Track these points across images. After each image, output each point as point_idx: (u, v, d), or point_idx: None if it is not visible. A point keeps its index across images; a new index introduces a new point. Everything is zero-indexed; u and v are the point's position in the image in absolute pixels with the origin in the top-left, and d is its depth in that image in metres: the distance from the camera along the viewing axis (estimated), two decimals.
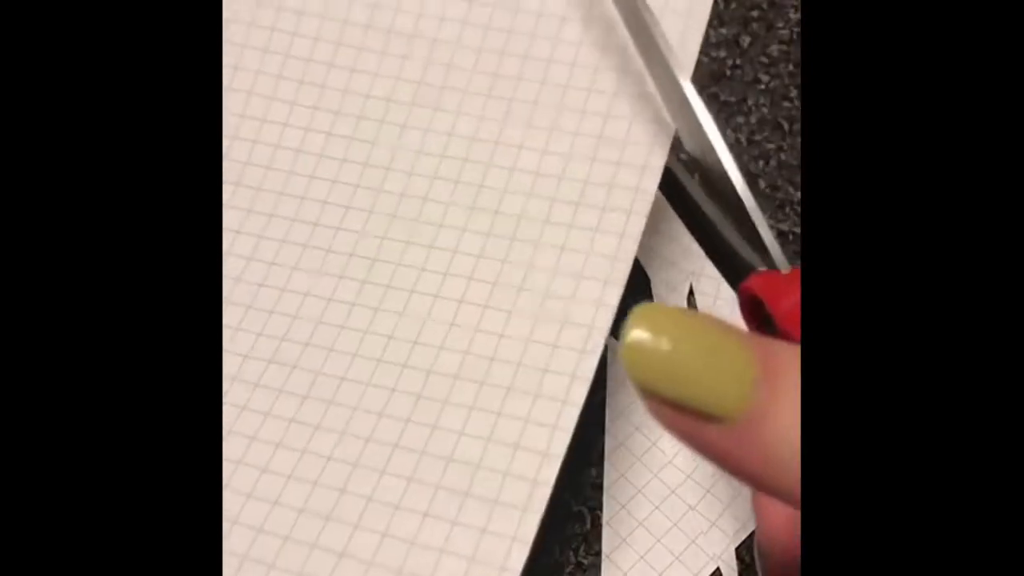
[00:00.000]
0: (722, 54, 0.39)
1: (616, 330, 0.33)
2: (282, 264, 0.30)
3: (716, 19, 0.40)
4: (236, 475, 0.26)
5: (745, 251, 0.28)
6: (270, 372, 0.28)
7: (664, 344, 0.18)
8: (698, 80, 0.38)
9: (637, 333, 0.18)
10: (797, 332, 0.24)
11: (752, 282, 0.26)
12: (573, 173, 0.30)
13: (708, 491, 0.30)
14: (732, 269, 0.28)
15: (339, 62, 0.32)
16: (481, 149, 0.30)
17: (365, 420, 0.27)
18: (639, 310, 0.18)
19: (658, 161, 0.29)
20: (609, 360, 0.33)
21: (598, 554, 0.30)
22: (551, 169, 0.30)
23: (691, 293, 0.34)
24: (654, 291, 0.34)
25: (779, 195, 0.36)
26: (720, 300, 0.34)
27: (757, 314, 0.26)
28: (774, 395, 0.17)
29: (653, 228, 0.35)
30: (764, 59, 0.39)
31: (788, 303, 0.24)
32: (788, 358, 0.18)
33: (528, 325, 0.28)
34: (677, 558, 0.29)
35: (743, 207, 0.28)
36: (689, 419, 0.18)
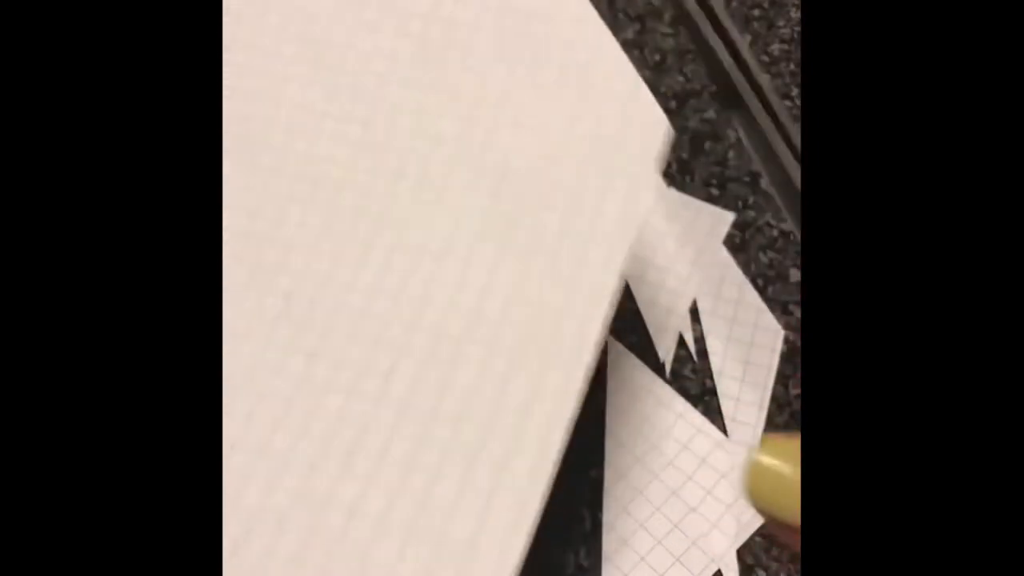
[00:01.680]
0: None
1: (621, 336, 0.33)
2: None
3: None
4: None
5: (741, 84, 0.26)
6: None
7: (785, 477, 0.19)
8: (698, 79, 0.38)
9: (762, 463, 0.19)
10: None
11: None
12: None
13: (709, 492, 0.30)
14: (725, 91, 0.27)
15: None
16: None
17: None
18: (766, 440, 0.19)
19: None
20: (609, 363, 0.33)
21: (599, 555, 0.30)
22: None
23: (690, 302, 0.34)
24: (645, 315, 0.34)
25: None
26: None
27: None
28: None
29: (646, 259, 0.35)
30: (765, 58, 0.39)
31: None
32: None
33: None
34: (678, 560, 0.29)
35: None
36: None
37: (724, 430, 0.32)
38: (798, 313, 0.34)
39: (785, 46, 0.39)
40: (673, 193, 0.35)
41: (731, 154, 0.37)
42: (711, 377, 0.32)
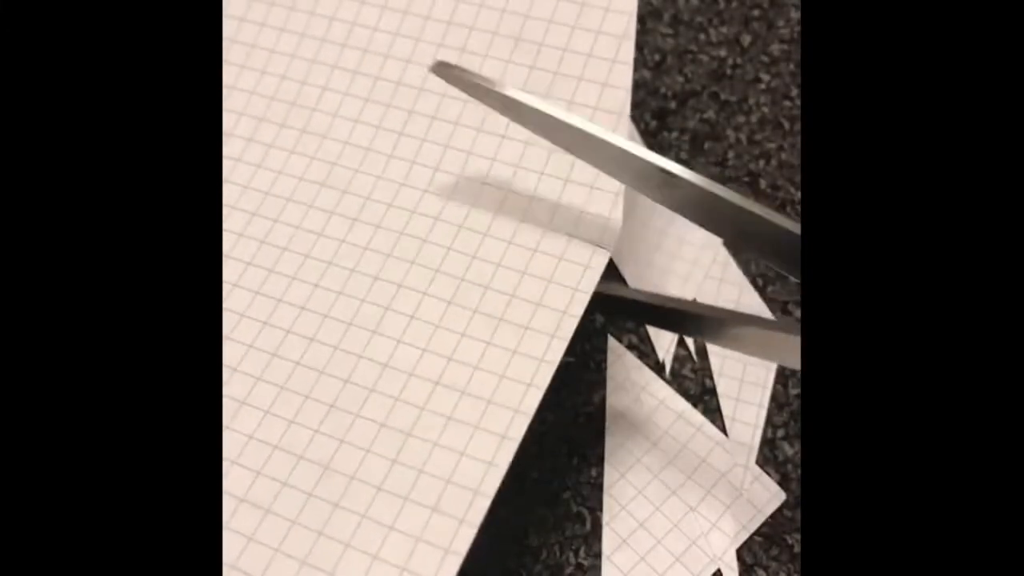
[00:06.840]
0: (722, 53, 0.39)
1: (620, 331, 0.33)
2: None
3: (717, 18, 0.40)
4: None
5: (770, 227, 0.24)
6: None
7: None
8: (698, 79, 0.38)
9: None
10: None
11: None
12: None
13: (709, 492, 0.30)
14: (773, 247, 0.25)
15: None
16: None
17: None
18: None
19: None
20: (609, 361, 0.33)
21: (598, 555, 0.30)
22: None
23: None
24: (630, 282, 0.34)
25: (780, 194, 0.36)
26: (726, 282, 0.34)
27: None
28: None
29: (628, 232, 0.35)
30: (765, 58, 0.39)
31: None
32: None
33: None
34: (678, 559, 0.29)
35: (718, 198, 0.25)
36: None
37: (724, 430, 0.32)
38: (798, 313, 0.34)
39: (785, 46, 0.39)
40: None
41: (731, 154, 0.37)
42: (711, 377, 0.32)
